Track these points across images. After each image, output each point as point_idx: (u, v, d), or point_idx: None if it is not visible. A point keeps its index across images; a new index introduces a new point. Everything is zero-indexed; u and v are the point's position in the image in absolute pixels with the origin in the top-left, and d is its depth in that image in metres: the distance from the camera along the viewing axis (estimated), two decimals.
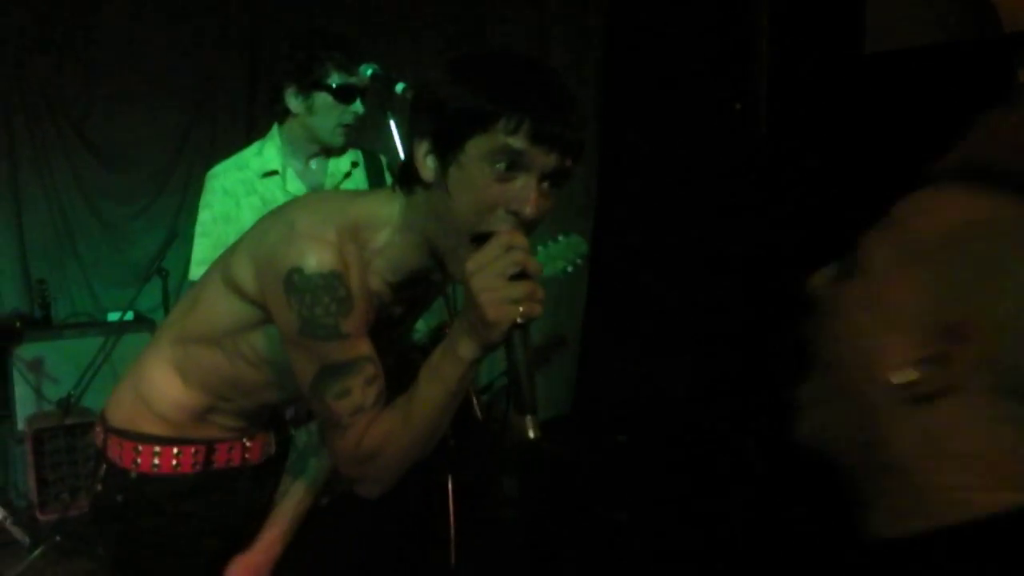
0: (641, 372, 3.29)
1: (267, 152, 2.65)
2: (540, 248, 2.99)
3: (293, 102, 2.55)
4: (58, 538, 3.66)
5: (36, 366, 4.15)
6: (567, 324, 3.97)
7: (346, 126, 2.59)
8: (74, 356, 4.10)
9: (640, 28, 3.48)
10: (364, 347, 1.40)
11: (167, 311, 4.16)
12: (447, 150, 1.32)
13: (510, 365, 1.26)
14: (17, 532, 3.66)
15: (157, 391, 1.66)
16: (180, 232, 4.25)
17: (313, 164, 2.69)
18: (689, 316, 3.25)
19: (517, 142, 1.27)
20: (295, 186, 2.64)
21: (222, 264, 1.56)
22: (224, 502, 1.73)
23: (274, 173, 2.64)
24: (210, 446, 1.69)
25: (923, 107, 3.03)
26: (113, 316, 4.42)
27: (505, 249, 1.22)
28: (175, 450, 1.66)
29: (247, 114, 4.90)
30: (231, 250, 1.55)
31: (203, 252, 2.58)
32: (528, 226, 1.32)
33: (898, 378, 0.71)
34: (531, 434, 1.24)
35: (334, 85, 2.51)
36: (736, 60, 3.19)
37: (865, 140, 3.10)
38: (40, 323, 4.36)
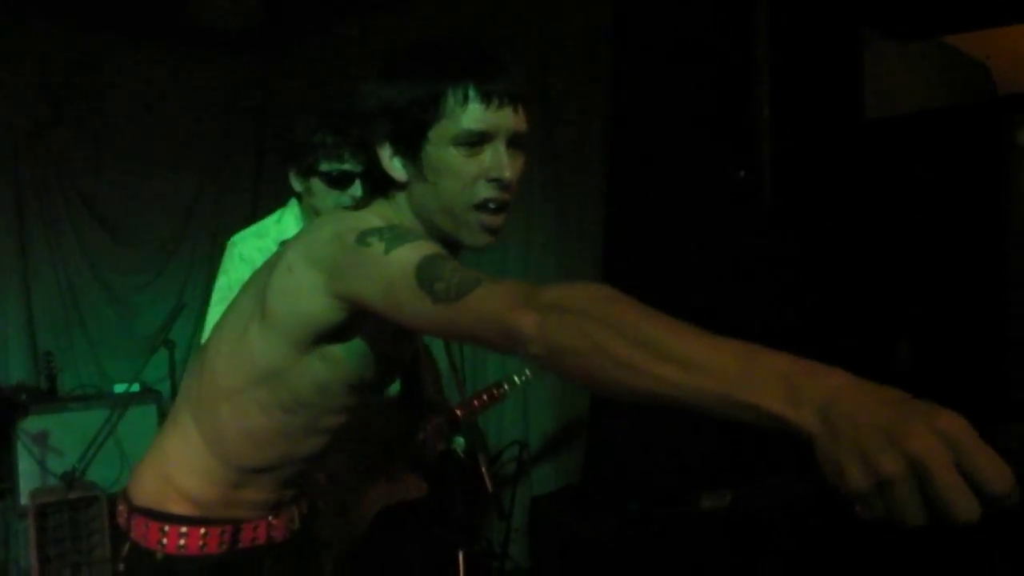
0: (652, 441, 3.26)
1: (286, 220, 2.67)
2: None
3: (296, 183, 2.58)
4: None
5: (41, 439, 4.12)
6: (578, 392, 3.95)
7: (346, 208, 2.60)
8: (79, 429, 4.08)
9: (643, 98, 3.53)
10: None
11: (174, 382, 4.15)
12: (409, 146, 1.39)
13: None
14: None
15: (182, 468, 1.63)
16: (187, 303, 4.27)
17: None
18: None
19: (471, 118, 1.36)
20: None
21: (253, 303, 1.52)
22: None
23: None
24: (236, 525, 1.66)
25: (924, 171, 3.06)
26: (119, 388, 4.41)
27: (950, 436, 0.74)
28: (202, 531, 1.62)
29: (253, 186, 4.96)
30: (262, 285, 1.50)
31: (217, 319, 2.59)
32: (508, 188, 1.40)
33: None
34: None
35: (325, 172, 2.53)
36: (739, 127, 3.23)
37: (868, 204, 3.13)
38: (46, 395, 4.34)
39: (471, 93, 1.37)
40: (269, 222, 2.68)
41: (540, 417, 4.04)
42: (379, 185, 1.48)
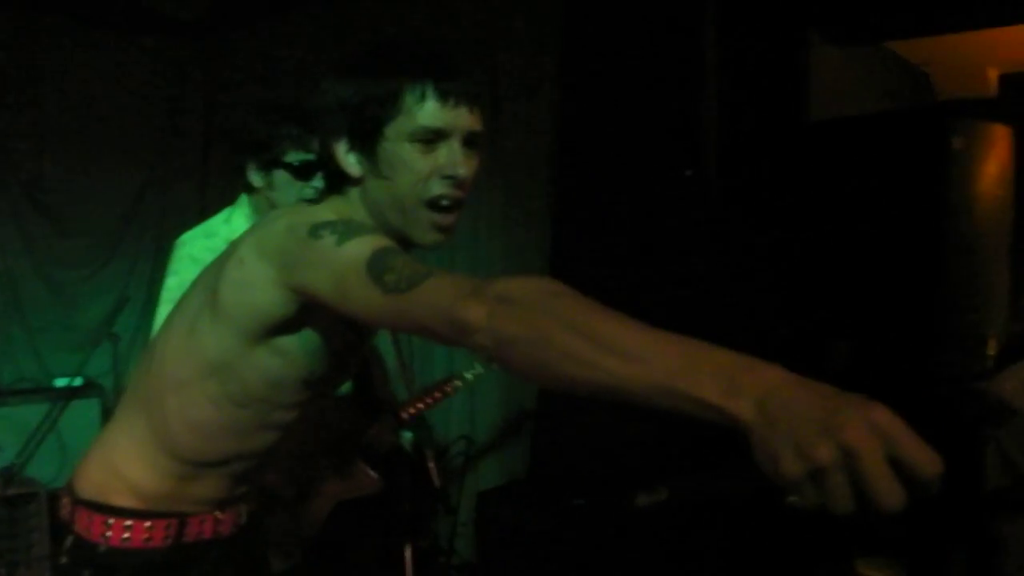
0: (597, 437, 3.30)
1: (236, 220, 2.63)
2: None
3: (254, 177, 2.56)
4: None
5: None
6: (523, 388, 3.98)
7: (308, 201, 2.59)
8: (18, 424, 3.99)
9: (592, 96, 3.56)
10: None
11: (117, 376, 4.09)
12: (366, 142, 1.41)
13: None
14: None
15: (129, 461, 1.62)
16: (131, 296, 4.21)
17: None
18: None
19: (428, 115, 1.38)
20: None
21: (204, 296, 1.53)
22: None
23: None
24: (182, 519, 1.64)
25: (864, 173, 3.14)
26: (61, 381, 4.32)
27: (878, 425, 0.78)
28: (147, 524, 1.61)
29: (201, 180, 4.89)
30: (213, 278, 1.51)
31: None
32: (462, 186, 1.42)
33: None
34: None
35: (291, 163, 2.52)
36: (686, 127, 3.28)
37: (811, 204, 3.20)
38: None
39: (429, 91, 1.39)
40: (218, 221, 2.65)
41: (487, 412, 4.06)
42: (333, 181, 1.49)
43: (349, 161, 1.45)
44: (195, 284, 1.61)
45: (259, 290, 1.41)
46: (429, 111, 1.39)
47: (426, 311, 1.18)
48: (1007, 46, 4.13)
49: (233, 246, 1.51)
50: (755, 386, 0.84)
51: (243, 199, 2.66)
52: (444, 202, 1.43)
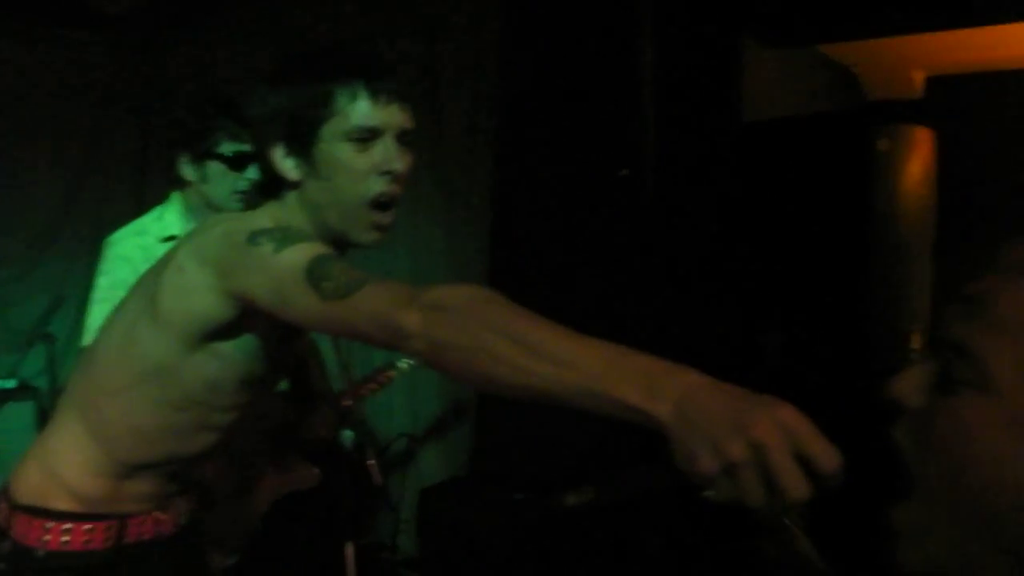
0: (539, 431, 3.34)
1: (167, 217, 2.62)
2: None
3: (187, 171, 2.55)
4: None
5: None
6: (464, 384, 4.00)
7: (242, 192, 2.59)
8: None
9: (531, 98, 3.61)
10: None
11: (53, 378, 4.01)
12: (303, 145, 1.45)
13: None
14: None
15: (68, 464, 1.62)
16: (67, 296, 4.13)
17: None
18: None
19: (362, 114, 1.43)
20: None
21: (142, 301, 1.54)
22: None
23: (174, 239, 2.61)
24: (123, 521, 1.65)
25: (795, 172, 3.23)
26: None
27: (785, 424, 0.84)
28: (87, 526, 1.61)
29: (138, 177, 4.82)
30: (152, 284, 1.53)
31: (101, 318, 2.53)
32: (398, 181, 1.47)
33: None
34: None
35: (226, 154, 2.51)
36: (624, 127, 3.33)
37: (744, 203, 3.28)
38: None
39: (361, 91, 1.44)
40: (149, 219, 2.63)
41: (429, 409, 4.08)
42: (271, 186, 1.52)
43: (287, 166, 1.48)
44: (134, 288, 1.63)
45: (198, 296, 1.44)
46: (362, 110, 1.44)
47: (363, 317, 1.22)
48: (932, 50, 4.26)
49: (171, 252, 1.53)
50: (673, 389, 0.90)
51: (175, 197, 2.64)
52: (383, 198, 1.47)
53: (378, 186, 1.46)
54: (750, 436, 0.82)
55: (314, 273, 1.28)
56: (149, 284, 1.54)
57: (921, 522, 0.70)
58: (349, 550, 2.66)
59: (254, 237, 1.36)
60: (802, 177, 3.18)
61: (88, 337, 2.54)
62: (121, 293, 2.53)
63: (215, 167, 2.53)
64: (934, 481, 0.69)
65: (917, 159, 3.30)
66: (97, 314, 2.54)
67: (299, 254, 1.32)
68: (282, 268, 1.32)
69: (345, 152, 1.44)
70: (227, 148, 2.51)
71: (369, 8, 4.16)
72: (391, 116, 1.46)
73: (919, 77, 4.62)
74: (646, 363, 0.95)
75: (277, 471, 2.72)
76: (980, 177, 3.96)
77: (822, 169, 3.19)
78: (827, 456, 0.81)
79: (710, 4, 3.48)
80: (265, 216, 1.48)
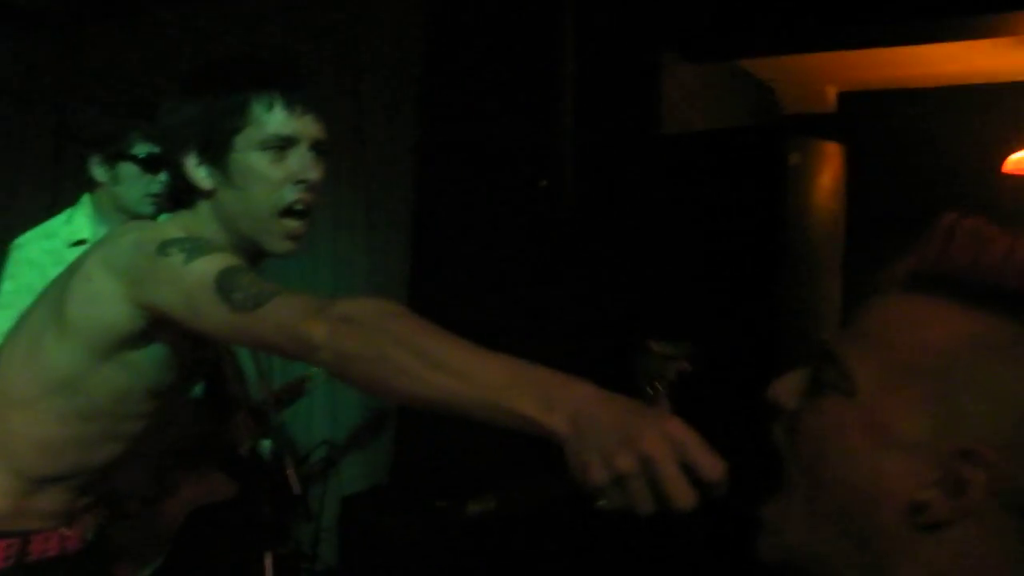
0: (459, 439, 3.36)
1: (77, 220, 2.56)
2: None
3: (98, 172, 2.50)
4: None
5: None
6: None
7: (154, 196, 2.55)
8: None
9: (452, 109, 3.63)
10: None
11: None
12: (216, 154, 1.45)
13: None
14: None
15: None
16: None
17: None
18: None
19: (277, 123, 1.44)
20: None
21: (49, 310, 1.52)
22: None
23: (83, 243, 2.56)
24: (25, 537, 1.60)
25: (711, 185, 3.31)
26: None
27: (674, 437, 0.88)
28: None
29: (52, 179, 4.69)
30: (59, 292, 1.51)
31: (5, 324, 2.46)
32: (313, 190, 1.48)
33: (909, 504, 0.68)
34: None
35: (139, 155, 2.47)
36: (544, 139, 3.38)
37: (662, 216, 3.35)
38: None
39: (276, 100, 1.45)
40: (57, 222, 2.58)
41: (349, 417, 4.05)
42: (184, 196, 1.51)
43: (200, 175, 1.48)
44: (39, 298, 1.60)
45: (107, 306, 1.43)
46: (278, 119, 1.45)
47: (272, 329, 1.24)
48: (844, 67, 4.42)
49: (79, 260, 1.51)
50: (568, 401, 0.94)
51: (84, 199, 2.58)
52: (298, 207, 1.48)
53: (292, 195, 1.47)
54: (639, 448, 0.86)
55: (224, 284, 1.29)
56: (56, 293, 1.52)
57: (782, 514, 0.76)
58: (268, 560, 2.64)
59: (164, 247, 1.36)
60: (717, 190, 3.26)
61: None
62: (27, 299, 2.46)
63: (128, 169, 2.49)
64: (796, 476, 0.75)
65: (827, 173, 3.40)
66: (2, 320, 2.47)
67: (209, 265, 1.32)
68: (192, 279, 1.32)
69: (259, 161, 1.45)
70: (141, 149, 2.47)
71: (289, 17, 4.13)
72: (306, 126, 1.47)
73: (832, 92, 4.79)
74: (544, 375, 0.99)
75: (192, 481, 2.68)
76: (889, 191, 4.12)
77: (736, 182, 3.27)
78: (712, 467, 0.86)
79: (631, 17, 3.54)
80: (176, 226, 1.48)
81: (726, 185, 3.24)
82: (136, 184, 2.51)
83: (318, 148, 1.50)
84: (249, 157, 1.45)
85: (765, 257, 3.22)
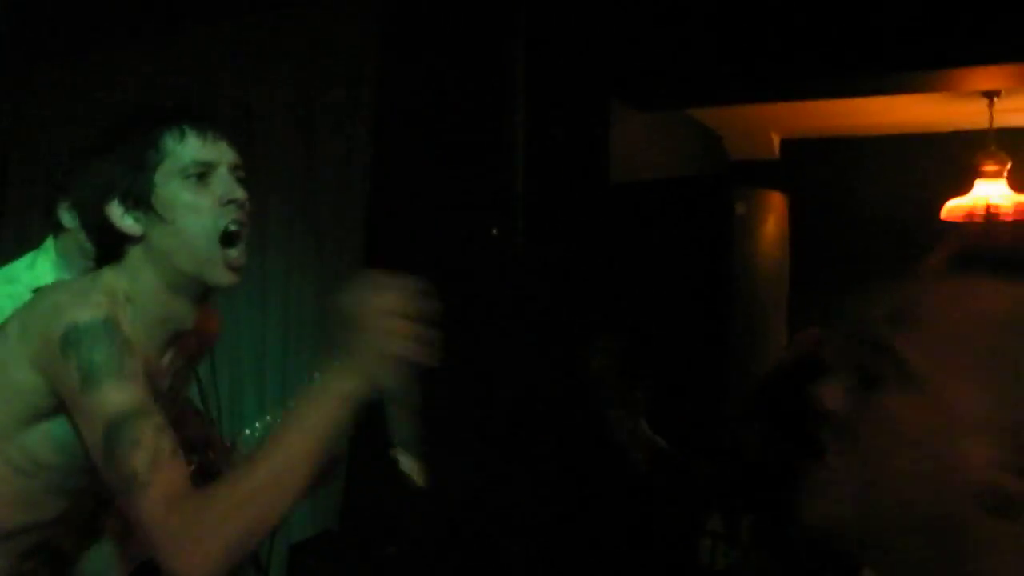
0: (410, 484, 3.35)
1: (40, 265, 2.50)
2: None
3: (66, 217, 2.46)
4: None
5: None
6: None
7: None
8: None
9: (404, 155, 3.66)
10: (148, 396, 1.37)
11: None
12: (140, 196, 1.45)
13: (390, 407, 1.35)
14: None
15: None
16: None
17: None
18: (453, 428, 3.36)
19: (192, 151, 1.46)
20: None
21: None
22: None
23: None
24: None
25: (658, 234, 3.37)
26: None
27: (398, 300, 1.36)
28: None
29: None
30: None
31: None
32: (245, 209, 1.49)
33: (984, 489, 0.65)
34: (418, 481, 1.35)
35: None
36: (494, 186, 3.42)
37: (611, 263, 3.40)
38: None
39: (187, 129, 1.47)
40: (20, 266, 2.52)
41: None
42: (111, 250, 1.50)
43: (127, 223, 1.46)
44: None
45: (23, 379, 1.42)
46: (193, 146, 1.47)
47: (142, 510, 1.31)
48: (788, 116, 4.55)
49: (5, 322, 1.48)
50: (348, 371, 1.32)
51: (48, 243, 2.54)
52: (233, 227, 1.47)
53: (225, 217, 1.46)
54: (377, 323, 1.32)
55: (111, 435, 1.31)
56: None
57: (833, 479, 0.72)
58: None
59: (66, 342, 1.34)
60: (665, 239, 3.32)
61: None
62: None
63: None
64: (855, 470, 0.71)
65: (772, 221, 3.49)
66: None
67: (102, 401, 1.33)
68: (86, 408, 1.35)
69: (184, 190, 1.45)
70: None
71: (242, 58, 4.15)
72: (221, 151, 1.49)
73: (776, 139, 4.91)
74: (323, 381, 1.35)
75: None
76: (831, 237, 4.23)
77: (684, 231, 3.34)
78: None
79: (581, 66, 3.61)
80: (99, 290, 1.44)
81: (675, 234, 3.30)
82: None
83: (236, 173, 1.50)
84: (172, 189, 1.44)
85: (713, 303, 3.29)
